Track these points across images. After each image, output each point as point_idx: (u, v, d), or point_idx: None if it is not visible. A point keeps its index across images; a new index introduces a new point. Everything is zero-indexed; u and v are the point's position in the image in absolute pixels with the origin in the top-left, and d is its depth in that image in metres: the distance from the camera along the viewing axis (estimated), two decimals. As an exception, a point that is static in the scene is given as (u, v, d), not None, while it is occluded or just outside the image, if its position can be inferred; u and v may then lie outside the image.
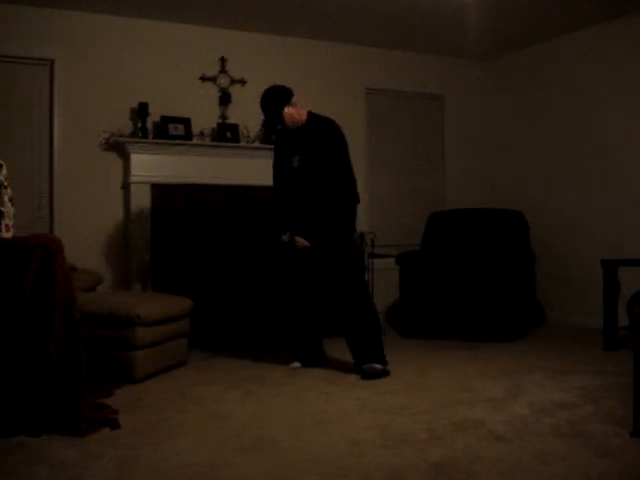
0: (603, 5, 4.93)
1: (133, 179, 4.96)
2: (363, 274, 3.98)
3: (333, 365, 4.01)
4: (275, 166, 4.10)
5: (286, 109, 3.86)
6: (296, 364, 4.02)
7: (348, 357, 3.94)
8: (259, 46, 5.53)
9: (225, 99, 5.38)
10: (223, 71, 5.43)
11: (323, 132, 3.89)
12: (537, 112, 6.00)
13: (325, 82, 5.77)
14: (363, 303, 3.83)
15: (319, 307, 4.05)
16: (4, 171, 3.02)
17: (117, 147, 5.01)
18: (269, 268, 5.10)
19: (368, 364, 3.74)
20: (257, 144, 5.40)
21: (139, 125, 4.98)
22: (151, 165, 4.99)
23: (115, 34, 5.07)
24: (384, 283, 5.58)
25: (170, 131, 5.08)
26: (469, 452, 2.46)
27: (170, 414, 3.03)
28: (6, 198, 3.01)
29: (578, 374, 3.70)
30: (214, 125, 5.33)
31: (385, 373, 3.75)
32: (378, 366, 3.73)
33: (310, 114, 3.96)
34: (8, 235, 2.98)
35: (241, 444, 2.60)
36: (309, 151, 3.88)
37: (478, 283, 4.93)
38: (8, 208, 3.00)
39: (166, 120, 5.09)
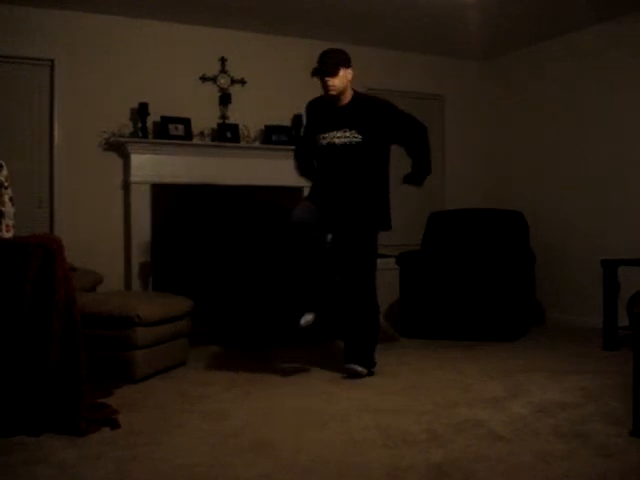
0: (603, 5, 4.93)
1: (133, 179, 4.96)
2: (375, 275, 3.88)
3: (333, 365, 4.00)
4: (306, 139, 3.91)
5: (343, 70, 3.68)
6: (308, 317, 3.71)
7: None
8: (259, 46, 5.53)
9: (225, 99, 5.38)
10: (223, 71, 5.43)
11: (373, 111, 3.75)
12: (537, 112, 6.00)
13: (325, 82, 5.77)
14: (370, 303, 3.79)
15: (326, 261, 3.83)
16: (4, 171, 3.03)
17: (117, 147, 5.01)
18: (269, 267, 5.10)
19: (351, 365, 3.70)
20: (257, 144, 5.40)
21: (139, 125, 4.98)
22: (151, 165, 4.99)
23: (115, 34, 5.07)
24: (384, 283, 5.54)
25: (170, 131, 5.08)
26: (469, 452, 2.46)
27: (170, 414, 3.03)
28: (6, 198, 3.01)
29: (578, 374, 3.70)
30: (214, 125, 5.33)
31: (370, 373, 3.73)
32: (359, 368, 3.68)
33: (356, 93, 3.80)
34: (9, 235, 2.99)
35: (241, 444, 2.59)
36: (362, 128, 3.70)
37: (478, 283, 4.93)
38: (8, 208, 3.01)
39: (166, 120, 5.09)
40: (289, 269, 3.94)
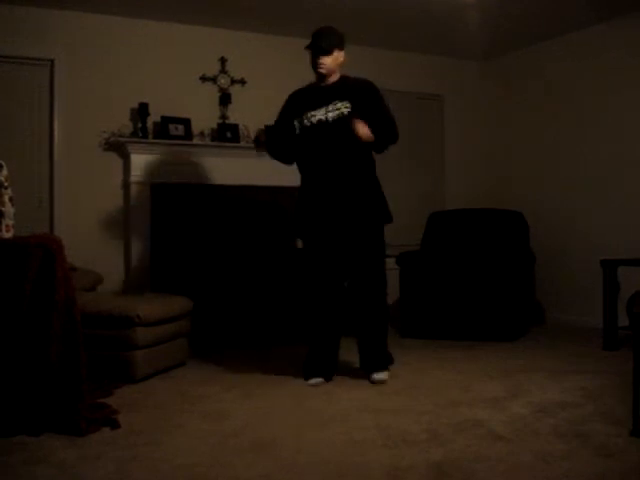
0: (603, 5, 4.93)
1: (133, 179, 4.96)
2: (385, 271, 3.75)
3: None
4: (282, 125, 3.76)
5: (337, 51, 3.58)
6: (317, 380, 3.61)
7: (348, 357, 3.95)
8: (259, 46, 5.53)
9: (225, 99, 5.38)
10: (223, 71, 5.43)
11: (360, 86, 3.64)
12: (537, 112, 6.00)
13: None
14: (382, 305, 3.70)
15: (340, 312, 3.74)
16: (4, 171, 3.03)
17: (117, 147, 5.01)
18: (269, 267, 5.10)
19: (374, 375, 3.61)
20: (257, 144, 5.40)
21: (139, 125, 4.98)
22: (151, 165, 4.99)
23: (115, 34, 5.07)
24: (384, 283, 5.57)
25: (170, 131, 5.08)
26: (469, 452, 2.46)
27: (170, 414, 3.03)
28: (6, 198, 3.01)
29: (578, 374, 3.70)
30: (214, 125, 5.33)
31: (391, 363, 3.77)
32: (383, 376, 3.61)
33: (343, 76, 3.69)
34: (8, 235, 2.99)
35: (241, 444, 2.59)
36: (352, 99, 3.56)
37: (478, 283, 4.93)
38: (8, 208, 3.01)
39: (166, 120, 5.09)
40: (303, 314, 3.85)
